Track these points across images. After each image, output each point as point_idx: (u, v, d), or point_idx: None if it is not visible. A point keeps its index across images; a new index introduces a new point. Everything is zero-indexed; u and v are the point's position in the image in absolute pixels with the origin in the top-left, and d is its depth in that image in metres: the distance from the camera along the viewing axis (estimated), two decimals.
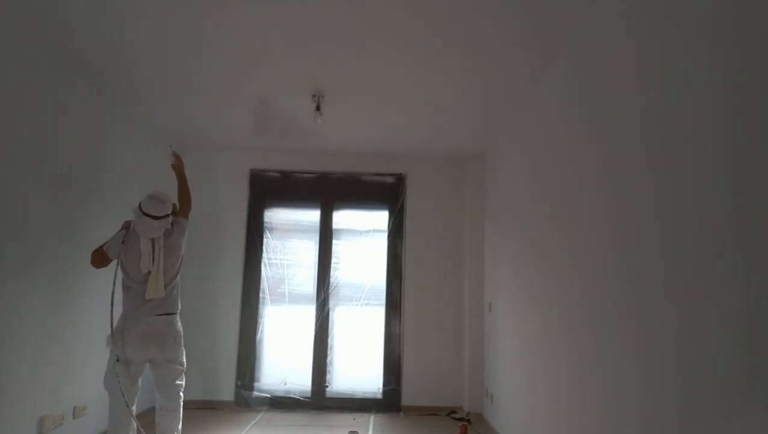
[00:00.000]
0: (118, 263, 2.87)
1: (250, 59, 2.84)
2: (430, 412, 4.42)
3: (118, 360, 2.71)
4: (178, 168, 3.19)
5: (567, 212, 2.51)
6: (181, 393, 2.92)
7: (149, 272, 2.77)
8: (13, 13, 2.38)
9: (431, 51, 2.68)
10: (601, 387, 2.05)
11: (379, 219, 4.77)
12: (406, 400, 4.49)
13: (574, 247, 2.40)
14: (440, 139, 4.24)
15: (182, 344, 2.89)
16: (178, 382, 2.88)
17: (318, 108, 3.29)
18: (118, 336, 2.71)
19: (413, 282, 4.64)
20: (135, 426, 2.78)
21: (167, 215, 2.89)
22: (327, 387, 4.50)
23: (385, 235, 4.71)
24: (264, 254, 4.67)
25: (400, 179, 4.78)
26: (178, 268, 2.94)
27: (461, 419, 4.20)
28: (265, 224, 4.72)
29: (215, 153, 4.72)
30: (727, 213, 1.34)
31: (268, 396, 4.46)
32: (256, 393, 4.47)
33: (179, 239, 2.95)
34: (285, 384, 4.53)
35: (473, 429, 3.99)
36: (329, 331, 4.59)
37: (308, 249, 4.72)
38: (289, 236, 4.79)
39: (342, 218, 4.78)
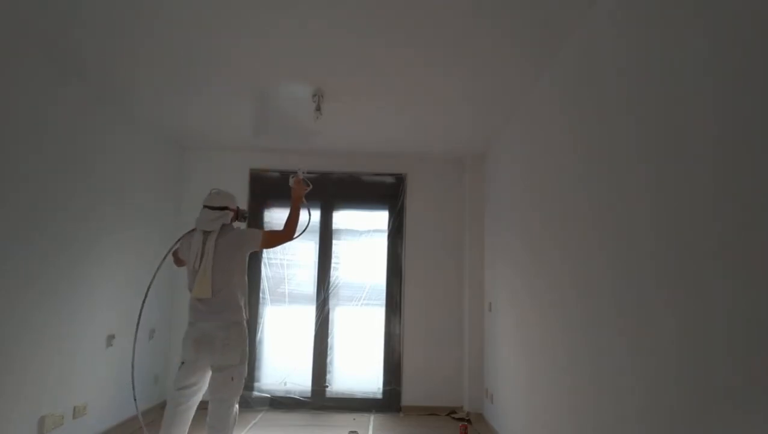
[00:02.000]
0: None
1: (251, 59, 2.84)
2: (430, 412, 4.42)
3: (182, 363, 2.69)
4: (297, 192, 2.98)
5: (567, 211, 2.51)
6: (229, 413, 2.61)
7: (196, 270, 2.66)
8: (13, 13, 2.37)
9: (431, 51, 2.68)
10: (601, 387, 2.05)
11: (379, 219, 4.77)
12: (406, 400, 4.49)
13: (574, 246, 2.40)
14: (440, 139, 4.24)
15: (237, 353, 2.66)
16: (223, 396, 2.60)
17: (318, 108, 3.29)
18: (183, 339, 2.68)
19: (413, 282, 4.65)
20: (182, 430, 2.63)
21: (223, 208, 2.75)
22: (327, 387, 4.50)
23: (385, 235, 4.72)
24: (264, 254, 4.67)
25: (400, 179, 4.78)
26: (233, 274, 2.73)
27: (461, 419, 4.20)
28: (265, 224, 4.72)
29: (215, 153, 4.72)
30: (724, 214, 1.34)
31: (268, 396, 4.46)
32: (256, 393, 4.47)
33: (237, 251, 2.74)
34: (285, 384, 4.53)
35: (473, 429, 3.99)
36: (329, 331, 4.59)
37: (308, 249, 4.72)
38: None
39: (342, 218, 4.78)
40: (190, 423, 2.65)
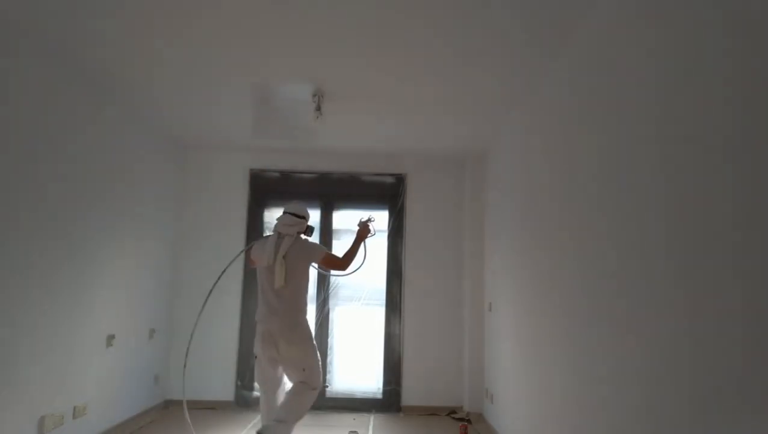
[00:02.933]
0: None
1: (251, 59, 2.84)
2: (430, 412, 4.42)
3: (255, 357, 3.00)
4: (362, 234, 3.27)
5: (567, 211, 2.51)
6: (298, 401, 2.88)
7: (269, 267, 2.94)
8: (13, 13, 2.38)
9: (431, 51, 2.68)
10: (601, 386, 2.05)
11: (379, 219, 4.77)
12: (406, 400, 4.49)
13: (575, 246, 2.40)
14: (440, 139, 4.24)
15: (302, 348, 2.91)
16: (295, 387, 2.91)
17: (318, 108, 3.30)
18: (255, 335, 2.99)
19: (413, 282, 4.65)
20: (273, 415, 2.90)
21: (301, 217, 3.11)
22: (327, 387, 4.50)
23: (385, 235, 4.71)
24: None
25: (400, 179, 4.78)
26: (298, 278, 2.98)
27: (461, 419, 4.20)
28: (265, 224, 4.72)
29: (215, 153, 4.72)
30: (733, 211, 1.34)
31: None
32: (256, 393, 4.46)
33: (305, 259, 3.02)
34: (285, 384, 4.52)
35: (473, 429, 3.99)
36: (329, 331, 4.59)
37: None
38: None
39: (342, 218, 4.78)
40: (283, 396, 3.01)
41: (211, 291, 3.41)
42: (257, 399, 4.40)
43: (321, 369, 3.02)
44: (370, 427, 4.01)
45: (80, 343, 3.16)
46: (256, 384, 4.50)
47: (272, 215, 4.76)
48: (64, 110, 2.96)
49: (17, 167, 2.59)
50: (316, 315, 4.58)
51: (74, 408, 3.09)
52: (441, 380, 4.52)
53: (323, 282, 4.63)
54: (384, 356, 4.58)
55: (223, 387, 4.46)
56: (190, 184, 4.68)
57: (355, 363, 4.61)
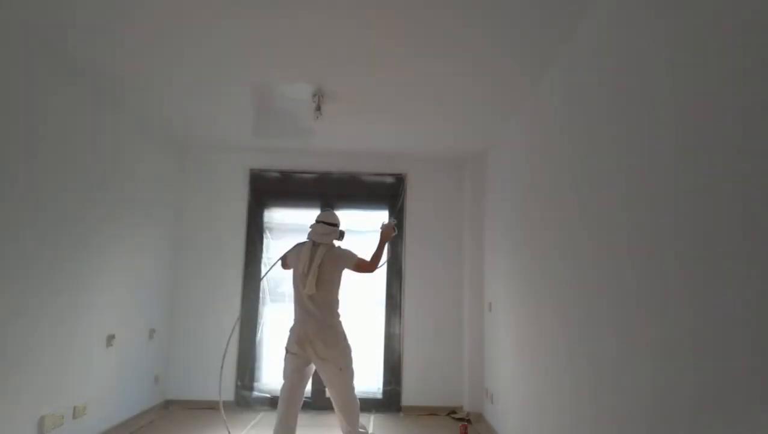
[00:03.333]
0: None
1: (251, 59, 2.84)
2: (430, 412, 4.43)
3: (287, 352, 3.16)
4: (386, 235, 3.46)
5: (567, 211, 2.51)
6: (351, 398, 3.16)
7: (303, 273, 3.15)
8: (13, 12, 2.38)
9: (431, 52, 2.68)
10: (602, 387, 2.05)
11: (379, 219, 4.76)
12: (406, 400, 4.49)
13: (574, 246, 2.40)
14: (440, 139, 4.24)
15: (337, 349, 3.11)
16: (338, 387, 3.14)
17: (318, 108, 3.30)
18: (289, 334, 3.19)
19: (413, 282, 4.65)
20: (295, 410, 3.11)
21: (333, 225, 3.31)
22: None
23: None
24: (264, 254, 4.67)
25: (400, 179, 4.78)
26: (333, 284, 3.21)
27: (461, 419, 4.20)
28: (265, 224, 4.72)
29: (215, 153, 4.72)
30: (737, 212, 1.34)
31: (268, 396, 4.46)
32: (256, 393, 4.47)
33: (337, 265, 3.24)
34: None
35: (473, 429, 3.99)
36: None
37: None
38: (289, 236, 4.78)
39: (342, 218, 4.76)
40: (300, 404, 3.16)
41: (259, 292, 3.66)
42: (257, 399, 4.43)
43: (354, 368, 3.23)
44: (370, 427, 4.02)
45: (80, 343, 3.16)
46: (256, 384, 4.51)
47: (272, 215, 4.77)
48: (65, 110, 2.96)
49: (17, 167, 2.59)
50: None
51: (74, 408, 3.09)
52: (441, 380, 4.52)
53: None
54: (384, 356, 4.58)
55: (223, 387, 4.46)
56: (190, 184, 4.68)
57: (355, 362, 4.60)
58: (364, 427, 3.26)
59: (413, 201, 4.76)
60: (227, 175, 4.71)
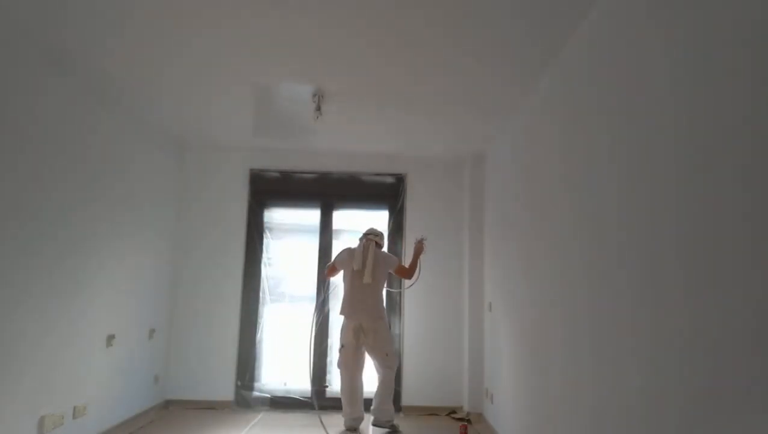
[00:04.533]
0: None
1: (251, 59, 2.84)
2: (430, 412, 4.42)
3: (342, 346, 3.78)
4: (419, 250, 4.12)
5: (567, 210, 2.52)
6: (390, 377, 3.86)
7: (358, 270, 3.77)
8: (11, 11, 2.38)
9: (431, 52, 2.68)
10: (602, 386, 2.05)
11: (379, 219, 4.77)
12: (406, 400, 4.49)
13: (574, 246, 2.41)
14: (440, 139, 4.24)
15: (386, 338, 3.81)
16: (383, 370, 3.83)
17: (318, 108, 3.30)
18: (342, 329, 3.84)
19: (413, 282, 4.64)
20: (359, 395, 3.86)
21: (379, 235, 4.06)
22: (327, 387, 4.50)
23: (386, 235, 4.71)
24: (264, 254, 4.67)
25: (400, 179, 4.78)
26: (381, 282, 3.87)
27: (461, 419, 4.20)
28: (265, 224, 4.72)
29: (215, 153, 4.72)
30: (722, 214, 1.34)
31: (268, 396, 4.46)
32: (256, 393, 4.47)
33: (385, 265, 3.92)
34: (285, 384, 4.53)
35: (473, 429, 3.99)
36: (329, 331, 4.58)
37: (308, 249, 4.72)
38: (289, 236, 4.79)
39: (342, 218, 4.78)
40: (363, 390, 3.89)
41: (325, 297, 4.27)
42: (257, 399, 4.44)
43: (397, 354, 3.97)
44: (370, 427, 4.01)
45: (80, 343, 3.16)
46: (256, 384, 4.51)
47: (272, 215, 4.77)
48: (65, 110, 2.96)
49: (17, 167, 2.59)
50: (316, 315, 4.58)
51: (74, 408, 3.09)
52: (441, 380, 4.51)
53: (323, 282, 4.63)
54: None
55: (223, 387, 4.46)
56: (190, 184, 4.68)
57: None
58: (394, 417, 3.85)
59: (413, 201, 4.75)
60: (227, 175, 4.71)
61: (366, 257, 3.82)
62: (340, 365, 3.85)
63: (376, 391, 3.86)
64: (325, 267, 4.08)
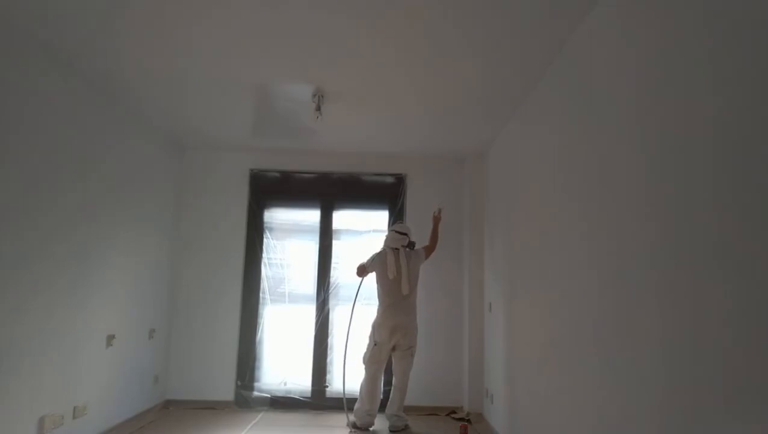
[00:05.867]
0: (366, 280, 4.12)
1: (251, 59, 2.84)
2: (430, 412, 4.42)
3: (375, 344, 3.88)
4: (438, 220, 4.28)
5: (566, 210, 2.51)
6: (410, 371, 3.98)
7: (394, 279, 3.87)
8: (12, 12, 2.38)
9: (431, 52, 2.68)
10: (602, 386, 2.05)
11: (379, 219, 4.77)
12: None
13: (573, 247, 2.40)
14: (440, 139, 4.25)
15: (415, 339, 3.94)
16: (406, 368, 3.95)
17: (318, 108, 3.29)
18: (376, 327, 3.91)
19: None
20: (378, 393, 3.96)
21: (406, 234, 4.05)
22: (327, 387, 4.50)
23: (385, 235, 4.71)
24: (264, 254, 4.67)
25: (400, 179, 4.78)
26: (416, 283, 3.98)
27: (461, 419, 4.20)
28: (265, 224, 4.72)
29: (215, 153, 4.72)
30: (723, 213, 1.34)
31: (268, 396, 4.46)
32: (256, 393, 4.47)
33: (417, 264, 4.05)
34: (285, 384, 4.53)
35: (473, 429, 3.99)
36: (329, 331, 4.58)
37: (308, 249, 4.72)
38: (289, 236, 4.79)
39: (342, 218, 4.77)
40: (382, 385, 4.02)
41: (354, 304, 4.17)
42: (257, 399, 4.44)
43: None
44: (370, 427, 4.01)
45: (80, 343, 3.16)
46: (256, 384, 4.50)
47: (272, 215, 4.76)
48: (65, 111, 2.96)
49: (17, 168, 2.59)
50: (316, 315, 4.58)
51: (74, 408, 3.09)
52: (441, 380, 4.51)
53: (323, 282, 4.63)
54: None
55: (223, 387, 4.46)
56: (190, 184, 4.68)
57: (356, 362, 4.60)
58: (405, 417, 3.95)
59: (413, 201, 4.75)
60: (227, 175, 4.71)
61: (399, 265, 3.90)
62: (366, 360, 3.91)
63: (392, 397, 3.94)
64: (356, 266, 4.08)
